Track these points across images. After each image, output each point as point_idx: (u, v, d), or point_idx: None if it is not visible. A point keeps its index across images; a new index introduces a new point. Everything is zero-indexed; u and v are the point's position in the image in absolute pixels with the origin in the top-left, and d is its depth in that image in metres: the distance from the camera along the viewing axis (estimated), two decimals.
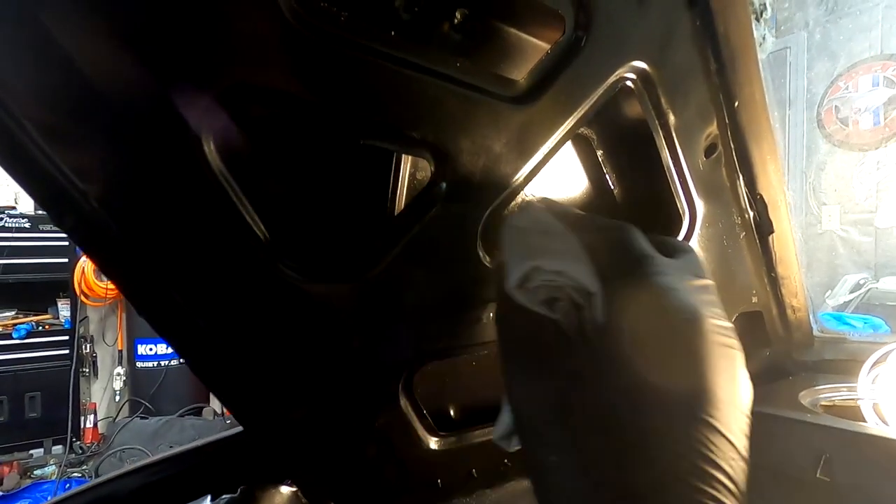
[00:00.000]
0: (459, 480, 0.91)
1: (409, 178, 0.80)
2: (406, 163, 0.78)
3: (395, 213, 0.79)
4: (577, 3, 0.68)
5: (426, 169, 0.74)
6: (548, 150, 0.77)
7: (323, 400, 0.74)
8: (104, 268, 0.54)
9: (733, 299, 1.18)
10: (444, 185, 0.70)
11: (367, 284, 0.70)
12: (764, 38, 0.82)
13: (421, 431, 0.84)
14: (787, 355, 1.33)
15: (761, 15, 0.81)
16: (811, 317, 1.29)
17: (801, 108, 6.44)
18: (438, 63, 0.64)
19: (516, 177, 0.75)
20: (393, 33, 0.62)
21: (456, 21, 0.75)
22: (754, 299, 1.20)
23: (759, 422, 0.96)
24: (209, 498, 0.71)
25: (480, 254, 0.78)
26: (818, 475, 0.82)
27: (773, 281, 1.19)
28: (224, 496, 0.71)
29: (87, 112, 0.49)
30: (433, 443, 0.87)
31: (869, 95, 6.09)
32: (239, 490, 0.72)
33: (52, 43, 0.44)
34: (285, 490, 0.76)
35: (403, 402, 0.80)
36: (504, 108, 0.71)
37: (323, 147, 0.71)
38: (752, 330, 1.29)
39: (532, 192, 0.96)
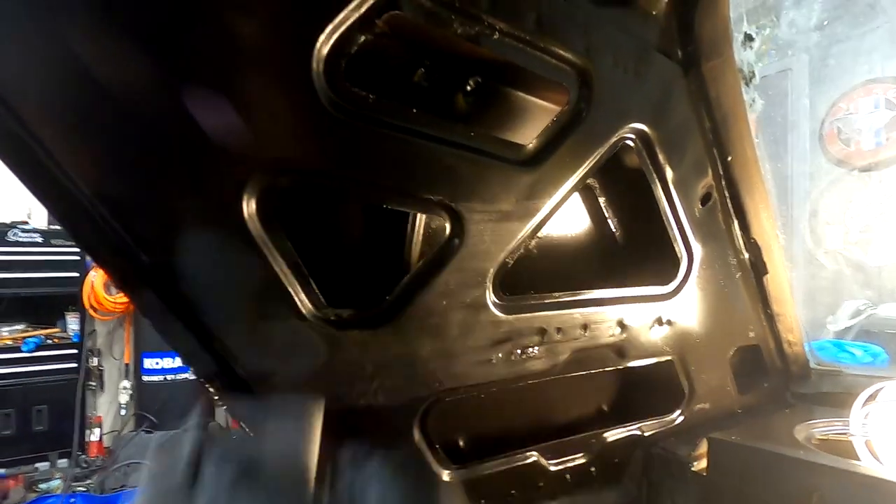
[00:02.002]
0: None
1: (423, 228, 0.87)
2: (420, 224, 0.84)
3: (411, 260, 0.85)
4: (580, 79, 0.75)
5: (445, 232, 0.80)
6: (553, 205, 0.83)
7: (346, 438, 0.80)
8: (166, 336, 0.60)
9: (732, 334, 1.23)
10: (456, 241, 0.77)
11: (390, 330, 0.76)
12: (754, 101, 0.88)
13: (433, 464, 0.90)
14: (785, 387, 1.37)
15: (750, 81, 0.87)
16: (808, 350, 1.34)
17: (804, 129, 6.51)
18: (454, 133, 0.71)
19: (524, 231, 0.82)
20: (414, 110, 0.69)
21: (469, 88, 0.83)
22: (751, 334, 1.26)
23: (756, 457, 1.01)
24: None
25: (491, 301, 0.84)
26: None
27: (770, 317, 1.24)
28: None
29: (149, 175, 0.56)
30: (446, 475, 0.92)
31: (870, 117, 6.15)
32: None
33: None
34: None
35: (417, 435, 0.86)
36: (513, 171, 0.77)
37: (348, 210, 0.78)
38: (751, 363, 1.34)
39: (539, 238, 1.03)
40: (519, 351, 0.91)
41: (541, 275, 1.01)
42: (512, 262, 0.85)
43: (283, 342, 0.69)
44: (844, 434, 1.09)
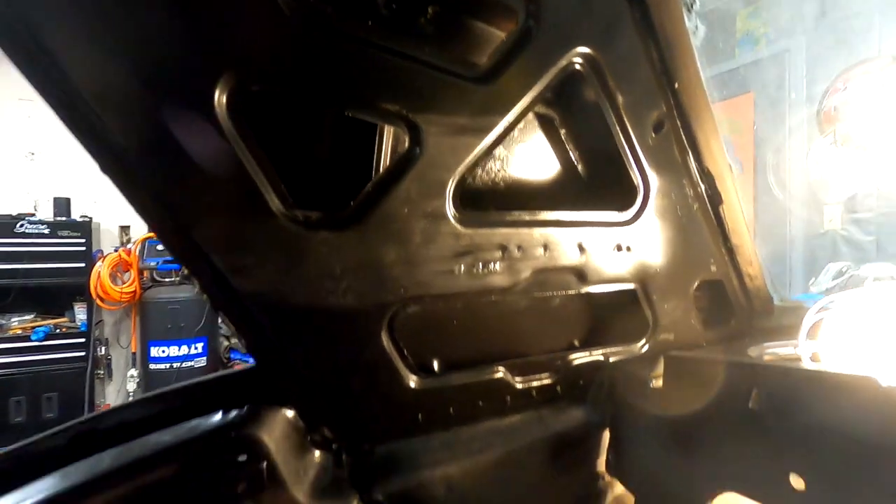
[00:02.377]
0: (438, 417, 1.04)
1: (391, 151, 0.94)
2: (388, 137, 0.92)
3: (379, 168, 0.93)
4: (527, 1, 0.82)
5: (405, 143, 0.87)
6: (507, 124, 0.90)
7: (317, 337, 0.88)
8: (143, 214, 0.68)
9: (693, 266, 1.30)
10: (418, 150, 0.84)
11: (355, 233, 0.83)
12: (697, 28, 0.95)
13: (402, 370, 0.97)
14: (749, 323, 1.44)
15: (691, 7, 0.94)
16: (768, 284, 1.40)
17: (801, 110, 6.53)
18: (410, 48, 0.79)
19: (480, 146, 0.89)
20: (371, 23, 0.76)
21: (429, 16, 0.90)
22: (713, 268, 1.32)
23: (704, 366, 1.08)
24: (221, 413, 0.84)
25: (451, 212, 0.91)
26: (750, 406, 0.94)
27: (730, 251, 1.31)
28: (233, 411, 0.84)
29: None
30: (413, 381, 0.99)
31: (868, 96, 6.16)
32: (245, 407, 0.85)
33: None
34: (287, 413, 0.89)
35: (386, 341, 0.93)
36: (467, 87, 0.85)
37: (318, 118, 0.86)
38: (717, 301, 1.41)
39: (503, 162, 1.10)
40: (481, 265, 0.98)
41: (504, 199, 1.09)
42: (471, 177, 0.92)
43: (254, 237, 0.77)
44: (793, 354, 1.15)
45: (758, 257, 1.34)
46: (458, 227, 0.93)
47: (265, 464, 0.83)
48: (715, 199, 1.19)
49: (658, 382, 1.15)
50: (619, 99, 1.00)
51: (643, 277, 1.22)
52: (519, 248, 1.02)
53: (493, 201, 1.04)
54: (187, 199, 0.71)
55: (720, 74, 6.18)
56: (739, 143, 6.41)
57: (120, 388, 6.76)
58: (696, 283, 1.32)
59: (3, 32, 0.56)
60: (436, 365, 1.10)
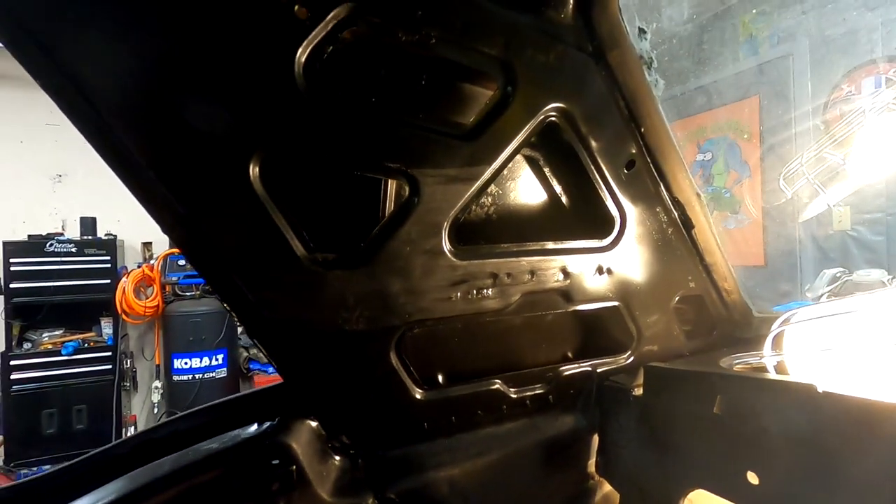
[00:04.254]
0: (442, 425, 1.19)
1: (393, 199, 1.10)
2: (391, 189, 1.08)
3: (385, 216, 1.08)
4: (504, 70, 0.97)
5: (405, 193, 1.03)
6: (492, 171, 1.06)
7: (336, 357, 1.04)
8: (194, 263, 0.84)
9: (673, 283, 1.43)
10: (416, 199, 1.00)
11: (366, 270, 0.99)
12: (657, 81, 1.09)
13: (409, 384, 1.12)
14: (731, 333, 1.56)
15: (650, 65, 1.08)
16: (745, 298, 1.53)
17: (807, 111, 6.56)
18: (407, 115, 0.95)
19: (469, 192, 1.04)
20: (374, 99, 0.92)
21: (423, 83, 1.06)
22: (692, 284, 1.45)
23: (676, 376, 1.21)
24: (256, 424, 1.00)
25: (447, 248, 1.06)
26: (715, 411, 1.06)
27: (706, 268, 1.44)
28: (266, 423, 1.00)
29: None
30: (419, 394, 1.15)
31: (872, 97, 6.18)
32: (277, 419, 1.01)
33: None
34: (311, 423, 1.05)
35: (394, 359, 1.09)
36: (456, 144, 1.00)
37: (334, 176, 1.02)
38: (699, 314, 1.54)
39: (496, 199, 1.25)
40: (475, 291, 1.13)
41: (498, 232, 1.24)
42: (463, 217, 1.07)
43: (282, 276, 0.93)
44: (760, 363, 1.28)
45: (732, 273, 1.46)
46: (454, 259, 1.08)
47: (294, 467, 0.99)
48: (687, 223, 1.33)
49: (639, 391, 1.29)
50: (592, 143, 1.15)
51: (625, 295, 1.36)
52: (508, 275, 1.16)
53: (485, 235, 1.19)
54: (232, 250, 0.87)
55: (725, 79, 6.25)
56: (746, 147, 6.46)
57: (145, 400, 6.99)
58: (676, 298, 1.45)
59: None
60: (439, 378, 1.25)
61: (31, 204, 6.58)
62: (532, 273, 1.19)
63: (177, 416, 1.08)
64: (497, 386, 1.26)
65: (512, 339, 1.33)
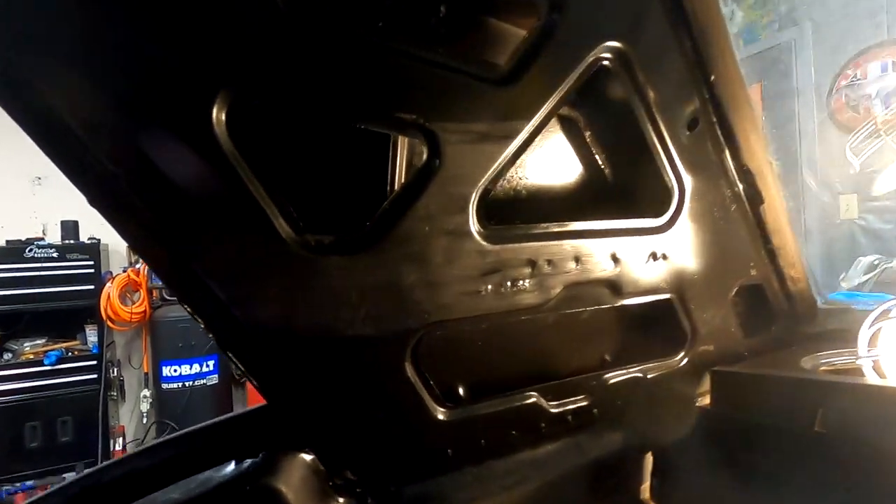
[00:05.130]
0: (469, 451, 0.96)
1: (406, 164, 0.86)
2: (403, 149, 0.84)
3: (395, 185, 0.85)
4: None
5: (422, 155, 0.80)
6: (532, 128, 0.82)
7: (335, 371, 0.80)
8: (134, 246, 0.61)
9: (732, 271, 1.21)
10: (437, 161, 0.76)
11: (373, 256, 0.76)
12: (733, 14, 0.87)
13: (428, 401, 0.89)
14: (793, 328, 1.34)
15: None
16: (813, 287, 1.31)
17: (811, 98, 6.39)
18: (424, 50, 0.71)
19: (504, 154, 0.81)
20: (380, 24, 0.68)
21: (441, 15, 0.82)
22: (753, 271, 1.23)
23: (759, 383, 0.99)
24: (233, 463, 0.76)
25: (475, 228, 0.83)
26: (816, 428, 0.84)
27: (770, 252, 1.22)
28: (247, 460, 0.77)
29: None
30: (441, 413, 0.91)
31: (878, 81, 6.02)
32: (260, 455, 0.77)
33: None
34: (305, 457, 0.81)
35: (410, 370, 0.85)
36: (487, 90, 0.77)
37: (328, 129, 0.78)
38: (757, 305, 1.31)
39: (524, 171, 1.02)
40: (509, 283, 0.90)
41: (529, 211, 1.01)
42: (494, 189, 0.84)
43: (262, 266, 0.69)
44: (851, 363, 1.06)
45: (801, 258, 1.24)
46: (484, 243, 0.85)
47: None
48: (755, 198, 1.10)
49: (704, 400, 1.06)
50: (651, 95, 0.92)
51: (680, 286, 1.13)
52: (549, 262, 0.93)
53: (517, 213, 0.96)
54: (186, 228, 0.64)
55: None
56: None
57: (133, 409, 6.72)
58: (735, 289, 1.23)
59: None
60: (461, 392, 1.02)
61: (9, 207, 6.28)
62: (577, 259, 0.97)
63: (135, 451, 0.84)
64: (533, 399, 1.02)
65: (547, 340, 1.10)
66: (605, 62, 0.86)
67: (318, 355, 0.77)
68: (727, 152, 1.05)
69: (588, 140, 1.06)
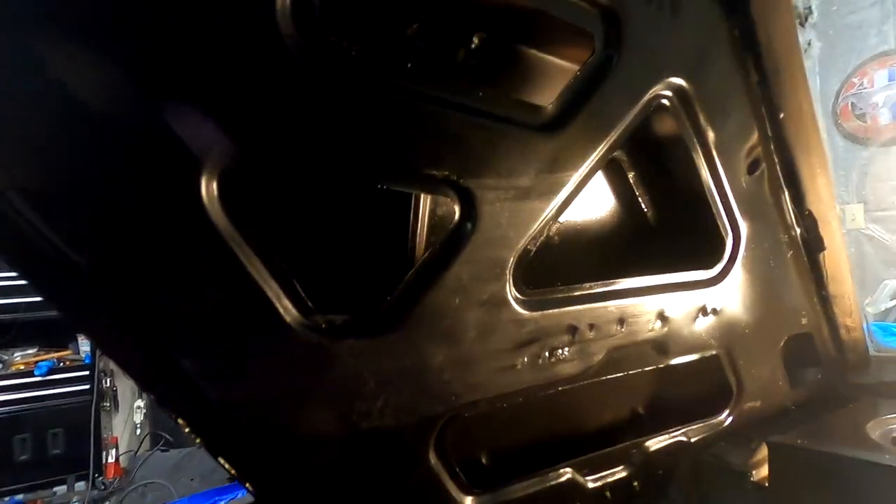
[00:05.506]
0: None
1: (429, 213, 0.74)
2: (424, 206, 0.72)
3: (416, 251, 0.73)
4: (607, 19, 0.62)
5: (448, 202, 0.67)
6: (580, 178, 0.70)
7: (350, 471, 0.68)
8: (104, 346, 0.48)
9: (783, 322, 1.09)
10: (468, 225, 0.64)
11: (394, 337, 0.63)
12: (810, 44, 0.75)
13: (454, 491, 0.77)
14: (842, 378, 1.23)
15: (806, 19, 0.74)
16: (867, 335, 1.19)
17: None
18: (460, 94, 0.59)
19: (547, 210, 0.69)
20: (409, 65, 0.56)
21: (473, 46, 0.70)
22: (804, 321, 1.11)
23: (828, 463, 0.87)
24: None
25: (511, 295, 0.71)
26: None
27: (825, 300, 1.10)
28: None
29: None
30: (468, 501, 0.79)
31: (885, 90, 5.94)
32: None
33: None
34: None
35: (434, 460, 0.73)
36: (531, 138, 0.64)
37: (339, 192, 0.66)
38: (802, 353, 1.19)
39: (561, 221, 0.90)
40: (547, 353, 0.78)
41: (564, 264, 0.88)
42: (534, 248, 0.72)
43: (263, 358, 0.57)
44: None
45: (859, 306, 1.12)
46: (521, 311, 0.73)
47: None
48: (815, 244, 0.99)
49: (760, 474, 0.94)
50: (710, 135, 0.80)
51: (728, 341, 1.01)
52: (591, 326, 0.81)
53: (554, 270, 0.84)
54: (170, 323, 0.51)
55: None
56: None
57: (127, 420, 6.57)
58: (784, 340, 1.11)
59: None
60: (490, 473, 0.89)
61: None
62: (621, 322, 0.84)
63: None
64: (568, 475, 0.90)
65: (583, 409, 0.98)
66: (664, 100, 0.74)
67: (330, 455, 0.64)
68: (787, 195, 0.93)
69: (632, 181, 0.94)
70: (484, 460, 0.88)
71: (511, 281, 0.70)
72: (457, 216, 0.64)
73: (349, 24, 0.52)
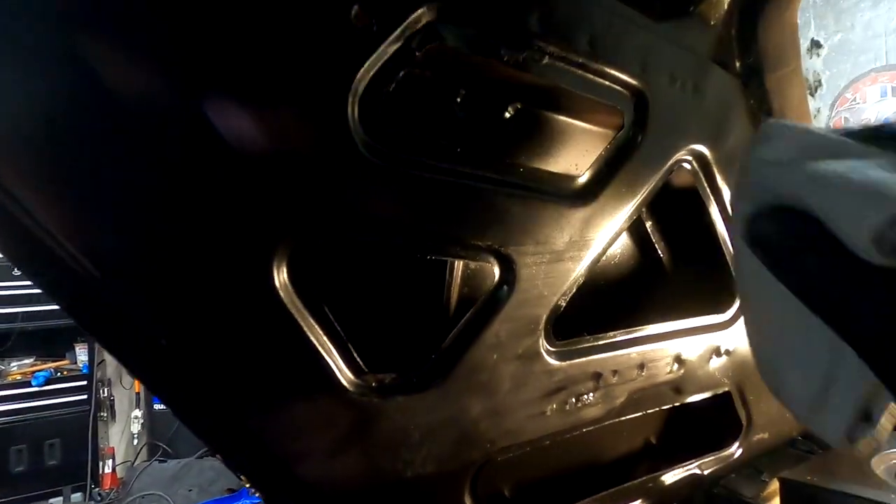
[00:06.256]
0: None
1: (460, 282, 0.79)
2: (458, 270, 0.77)
3: (451, 307, 0.77)
4: (636, 99, 0.67)
5: (494, 278, 0.72)
6: (608, 240, 0.75)
7: None
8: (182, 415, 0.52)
9: None
10: (505, 288, 0.69)
11: (437, 393, 0.68)
12: (818, 111, 0.80)
13: None
14: None
15: (816, 90, 0.80)
16: None
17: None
18: (502, 171, 0.63)
19: (577, 271, 0.74)
20: (458, 149, 0.61)
21: (509, 115, 0.75)
22: None
23: (838, 501, 0.92)
24: None
25: (544, 348, 0.75)
26: None
27: None
28: None
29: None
30: None
31: (878, 106, 6.06)
32: None
33: None
34: None
35: (469, 502, 0.77)
36: (566, 207, 0.69)
37: (385, 263, 0.70)
38: None
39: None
40: (574, 399, 0.82)
41: (591, 315, 0.93)
42: (565, 303, 0.76)
43: (322, 418, 0.61)
44: None
45: None
46: (552, 361, 0.77)
47: None
48: None
49: None
50: (725, 192, 0.85)
51: (739, 378, 1.06)
52: (615, 372, 0.86)
53: (582, 322, 0.89)
54: (242, 391, 0.55)
55: None
56: None
57: (124, 430, 6.53)
58: None
59: None
60: None
61: None
62: (642, 366, 0.89)
63: None
64: None
65: (601, 445, 1.02)
66: (685, 163, 0.79)
67: (379, 502, 0.69)
68: None
69: (649, 229, 0.99)
70: (509, 497, 0.92)
71: (543, 334, 0.74)
72: (496, 279, 0.69)
73: (404, 114, 0.57)
